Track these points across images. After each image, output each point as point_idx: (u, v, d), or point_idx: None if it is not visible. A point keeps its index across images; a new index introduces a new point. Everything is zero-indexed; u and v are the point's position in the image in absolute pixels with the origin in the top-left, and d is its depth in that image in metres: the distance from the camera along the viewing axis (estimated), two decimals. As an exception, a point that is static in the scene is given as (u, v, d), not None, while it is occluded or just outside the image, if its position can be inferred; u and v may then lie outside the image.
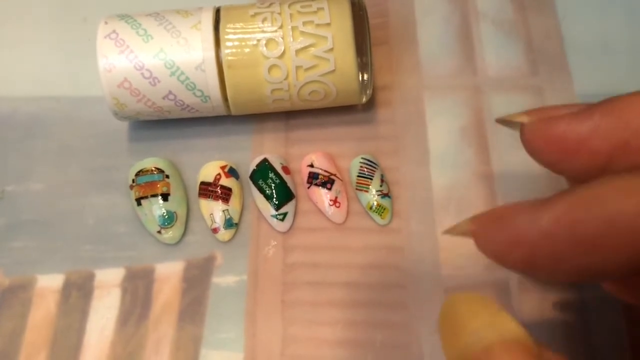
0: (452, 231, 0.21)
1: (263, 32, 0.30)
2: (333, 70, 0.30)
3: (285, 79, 0.30)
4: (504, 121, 0.22)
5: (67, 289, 0.30)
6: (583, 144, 0.19)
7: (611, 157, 0.19)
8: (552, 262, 0.17)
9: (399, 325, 0.29)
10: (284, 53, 0.30)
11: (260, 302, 0.30)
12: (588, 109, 0.19)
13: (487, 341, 0.16)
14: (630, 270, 0.17)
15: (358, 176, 0.31)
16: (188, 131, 0.34)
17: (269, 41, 0.30)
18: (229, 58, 0.30)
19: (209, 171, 0.31)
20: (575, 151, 0.19)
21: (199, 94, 0.30)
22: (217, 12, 0.31)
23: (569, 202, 0.17)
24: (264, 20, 0.30)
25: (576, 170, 0.20)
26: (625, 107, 0.18)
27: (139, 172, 0.31)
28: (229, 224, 0.31)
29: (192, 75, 0.30)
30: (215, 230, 0.31)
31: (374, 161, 0.32)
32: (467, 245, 0.30)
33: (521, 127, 0.20)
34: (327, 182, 0.31)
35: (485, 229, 0.19)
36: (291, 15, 0.30)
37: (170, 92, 0.30)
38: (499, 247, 0.19)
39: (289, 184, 0.31)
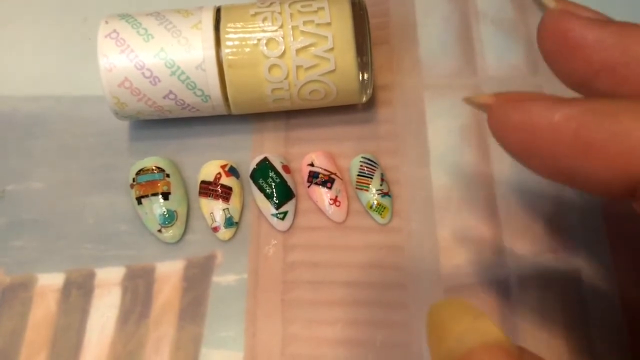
0: (471, 100, 0.21)
1: (263, 31, 0.30)
2: (333, 70, 0.30)
3: (286, 78, 0.30)
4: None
5: (68, 287, 0.30)
6: (586, 47, 0.19)
7: (599, 73, 0.19)
8: (549, 155, 0.18)
9: (399, 325, 0.29)
10: (284, 52, 0.30)
11: (260, 301, 0.30)
12: (606, 21, 0.20)
13: (469, 344, 0.17)
14: (612, 188, 0.17)
15: (358, 175, 0.31)
16: (188, 130, 0.34)
17: (269, 41, 0.30)
18: (230, 57, 0.30)
19: (210, 170, 0.32)
20: (576, 49, 0.19)
21: (199, 93, 0.30)
22: (218, 11, 0.31)
23: (585, 107, 0.18)
24: (264, 19, 0.30)
25: (565, 70, 0.20)
26: (633, 33, 0.19)
27: (139, 171, 0.31)
28: (229, 223, 0.31)
29: (193, 75, 0.30)
30: (215, 229, 0.31)
31: (374, 160, 0.32)
32: (467, 245, 0.31)
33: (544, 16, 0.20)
34: (327, 181, 0.31)
35: (501, 106, 0.19)
36: (291, 14, 0.30)
37: (170, 92, 0.30)
38: (507, 125, 0.19)
39: (289, 183, 0.31)
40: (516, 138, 0.19)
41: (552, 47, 0.20)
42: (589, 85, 0.20)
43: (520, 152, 0.19)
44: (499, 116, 0.19)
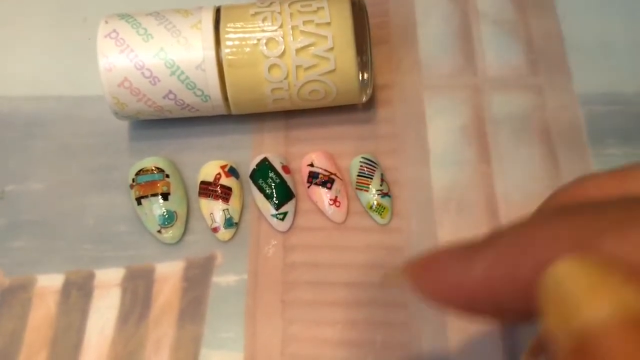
0: (385, 282, 0.20)
1: (263, 31, 0.30)
2: (333, 70, 0.30)
3: (286, 78, 0.30)
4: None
5: (67, 288, 0.30)
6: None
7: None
8: (493, 307, 0.17)
9: (399, 325, 0.29)
10: (284, 52, 0.30)
11: (260, 302, 0.30)
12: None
13: (608, 320, 0.14)
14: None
15: (358, 175, 0.31)
16: (188, 130, 0.34)
17: (269, 40, 0.30)
18: (229, 57, 0.30)
19: (209, 170, 0.31)
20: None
21: (199, 93, 0.30)
22: (218, 11, 0.31)
23: (498, 249, 0.17)
24: (264, 19, 0.30)
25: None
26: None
27: (139, 171, 0.31)
28: (229, 223, 0.31)
29: (192, 75, 0.30)
30: (215, 230, 0.31)
31: (374, 160, 0.32)
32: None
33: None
34: (327, 182, 0.31)
35: (416, 279, 0.18)
36: (291, 14, 0.30)
37: (170, 92, 0.30)
38: (429, 294, 0.18)
39: (289, 184, 0.31)
40: (448, 301, 0.18)
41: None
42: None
43: (462, 309, 0.18)
44: (419, 289, 0.18)
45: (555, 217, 0.16)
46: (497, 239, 0.17)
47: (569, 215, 0.16)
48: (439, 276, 0.18)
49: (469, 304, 0.17)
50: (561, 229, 0.16)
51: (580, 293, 0.14)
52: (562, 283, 0.15)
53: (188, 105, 0.31)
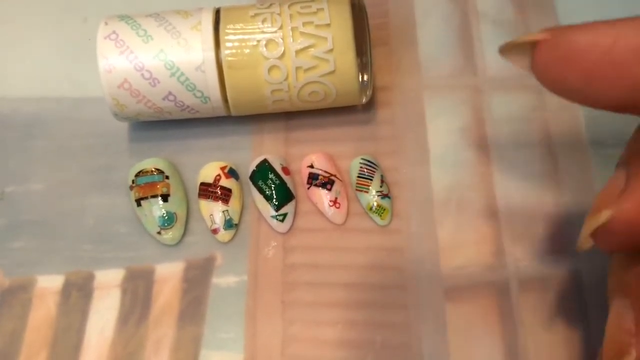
0: (514, 44, 0.19)
1: (263, 32, 0.30)
2: (333, 71, 0.30)
3: (285, 79, 0.30)
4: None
5: (67, 289, 0.30)
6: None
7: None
8: (616, 72, 0.17)
9: (399, 326, 0.29)
10: (283, 54, 0.30)
11: (260, 303, 0.30)
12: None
13: None
14: None
15: (358, 177, 0.31)
16: (188, 132, 0.34)
17: (269, 42, 0.30)
18: (229, 59, 0.30)
19: (209, 172, 0.31)
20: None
21: (199, 94, 0.30)
22: (217, 12, 0.31)
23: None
24: (263, 20, 0.30)
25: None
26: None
27: (138, 172, 0.31)
28: (229, 224, 0.31)
29: (192, 76, 0.30)
30: (215, 231, 0.31)
31: (374, 162, 0.32)
32: (467, 246, 0.31)
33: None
34: (327, 183, 0.31)
35: (561, 35, 0.18)
36: (291, 16, 0.30)
37: (170, 93, 0.30)
38: (566, 54, 0.18)
39: (289, 185, 0.31)
40: (578, 66, 0.17)
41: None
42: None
43: (581, 81, 0.17)
44: (558, 47, 0.17)
45: None
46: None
47: None
48: (586, 32, 0.18)
49: (608, 69, 0.17)
50: None
51: None
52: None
53: (188, 106, 0.31)
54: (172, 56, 0.30)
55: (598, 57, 0.17)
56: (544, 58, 0.18)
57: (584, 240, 0.20)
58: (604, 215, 0.19)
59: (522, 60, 0.18)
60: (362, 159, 0.32)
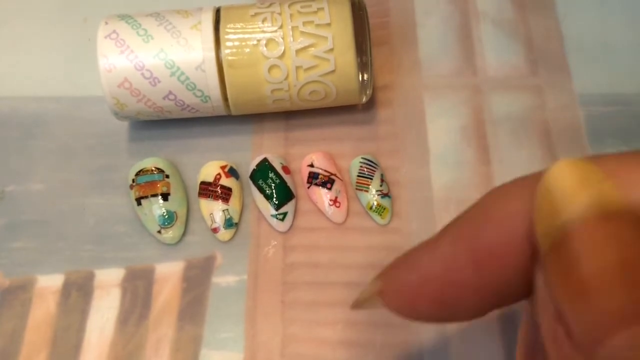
0: (361, 300, 0.20)
1: (263, 32, 0.30)
2: (333, 71, 0.30)
3: (285, 79, 0.30)
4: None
5: (67, 289, 0.30)
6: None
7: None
8: (461, 290, 0.17)
9: (399, 325, 0.29)
10: (284, 53, 0.30)
11: (260, 302, 0.30)
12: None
13: (584, 215, 0.14)
14: (526, 284, 0.17)
15: (358, 176, 0.31)
16: (188, 131, 0.34)
17: (269, 41, 0.30)
18: (229, 58, 0.30)
19: (209, 171, 0.31)
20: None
21: (199, 94, 0.30)
22: (217, 12, 0.31)
23: (457, 224, 0.17)
24: (264, 20, 0.30)
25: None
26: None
27: (139, 172, 0.31)
28: (229, 223, 0.31)
29: (192, 76, 0.30)
30: (215, 230, 0.31)
31: (374, 161, 0.32)
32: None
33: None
34: (327, 182, 0.31)
35: (392, 281, 0.18)
36: (291, 15, 0.30)
37: (170, 92, 0.30)
38: (407, 295, 0.18)
39: (289, 184, 0.31)
40: (424, 299, 0.18)
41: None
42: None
43: (437, 309, 0.18)
44: (396, 292, 0.18)
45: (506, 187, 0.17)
46: (453, 221, 0.17)
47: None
48: (411, 267, 0.18)
49: (441, 292, 0.17)
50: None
51: (565, 191, 0.15)
52: (550, 185, 0.15)
53: (188, 105, 0.31)
54: (172, 55, 0.30)
55: (436, 285, 0.18)
56: (392, 302, 0.19)
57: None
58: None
59: (378, 306, 0.19)
60: (362, 158, 0.32)
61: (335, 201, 0.31)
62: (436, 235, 0.18)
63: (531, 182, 0.16)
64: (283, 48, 0.30)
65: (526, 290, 0.17)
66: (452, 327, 0.29)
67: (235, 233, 0.31)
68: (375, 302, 0.19)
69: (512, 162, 0.32)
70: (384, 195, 0.31)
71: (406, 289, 0.18)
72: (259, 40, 0.30)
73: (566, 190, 0.14)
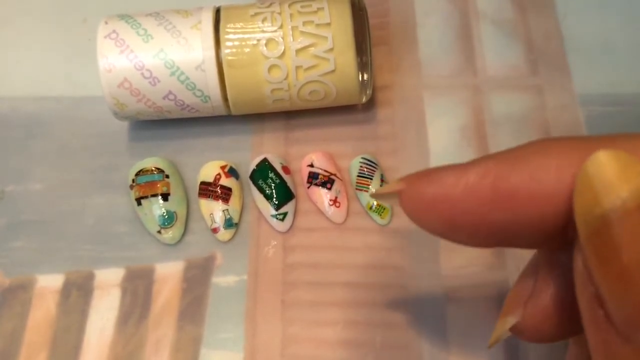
0: (380, 192, 0.21)
1: (263, 32, 0.30)
2: (333, 70, 0.30)
3: (285, 78, 0.30)
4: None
5: (67, 289, 0.30)
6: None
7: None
8: (472, 218, 0.18)
9: (399, 326, 0.29)
10: (284, 53, 0.30)
11: (260, 302, 0.30)
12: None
13: (624, 205, 0.15)
14: (544, 233, 0.17)
15: (358, 176, 0.31)
16: (188, 131, 0.34)
17: (269, 41, 0.30)
18: (229, 58, 0.30)
19: (209, 171, 0.31)
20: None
21: (199, 94, 0.30)
22: (217, 12, 0.31)
23: (494, 160, 0.18)
24: (264, 20, 0.30)
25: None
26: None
27: (139, 172, 0.31)
28: (229, 223, 0.31)
29: (192, 75, 0.30)
30: (215, 230, 0.31)
31: (374, 161, 0.32)
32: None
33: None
34: (327, 182, 0.31)
35: (413, 186, 0.19)
36: (291, 15, 0.30)
37: (170, 92, 0.30)
38: (422, 203, 0.19)
39: (289, 184, 0.31)
40: (437, 214, 0.18)
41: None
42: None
43: (445, 227, 0.18)
44: (413, 198, 0.19)
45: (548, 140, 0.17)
46: (494, 154, 0.18)
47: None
48: (432, 182, 0.18)
49: (452, 215, 0.18)
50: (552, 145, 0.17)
51: (606, 181, 0.15)
52: (591, 174, 0.15)
53: (188, 105, 0.31)
54: (172, 55, 0.30)
55: (449, 207, 0.18)
56: (407, 205, 0.19)
57: (494, 341, 0.22)
58: (509, 322, 0.21)
59: (394, 202, 0.19)
60: (362, 158, 0.32)
61: (335, 201, 0.31)
62: (468, 162, 0.18)
63: (575, 146, 0.17)
64: (283, 48, 0.30)
65: (535, 241, 0.18)
66: (452, 327, 0.29)
67: (235, 233, 0.31)
68: (393, 199, 0.20)
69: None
70: (384, 195, 0.31)
71: (424, 200, 0.19)
72: (258, 40, 0.30)
73: (607, 180, 0.15)
